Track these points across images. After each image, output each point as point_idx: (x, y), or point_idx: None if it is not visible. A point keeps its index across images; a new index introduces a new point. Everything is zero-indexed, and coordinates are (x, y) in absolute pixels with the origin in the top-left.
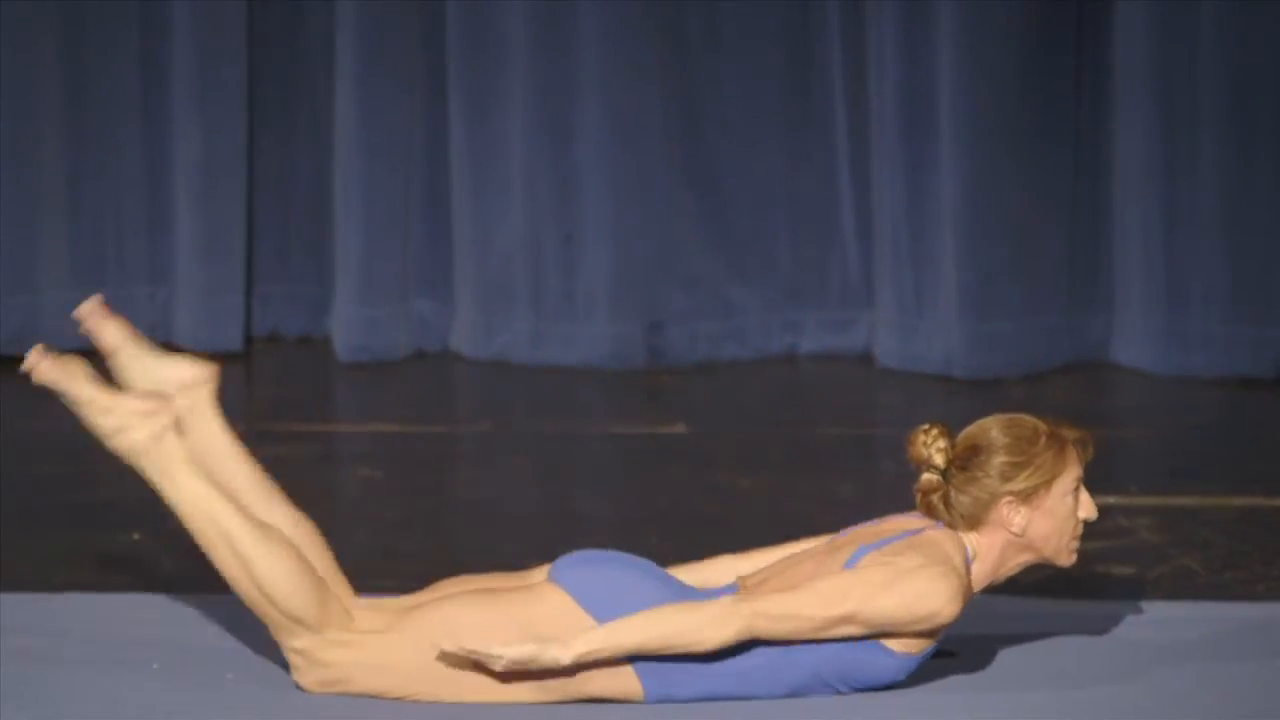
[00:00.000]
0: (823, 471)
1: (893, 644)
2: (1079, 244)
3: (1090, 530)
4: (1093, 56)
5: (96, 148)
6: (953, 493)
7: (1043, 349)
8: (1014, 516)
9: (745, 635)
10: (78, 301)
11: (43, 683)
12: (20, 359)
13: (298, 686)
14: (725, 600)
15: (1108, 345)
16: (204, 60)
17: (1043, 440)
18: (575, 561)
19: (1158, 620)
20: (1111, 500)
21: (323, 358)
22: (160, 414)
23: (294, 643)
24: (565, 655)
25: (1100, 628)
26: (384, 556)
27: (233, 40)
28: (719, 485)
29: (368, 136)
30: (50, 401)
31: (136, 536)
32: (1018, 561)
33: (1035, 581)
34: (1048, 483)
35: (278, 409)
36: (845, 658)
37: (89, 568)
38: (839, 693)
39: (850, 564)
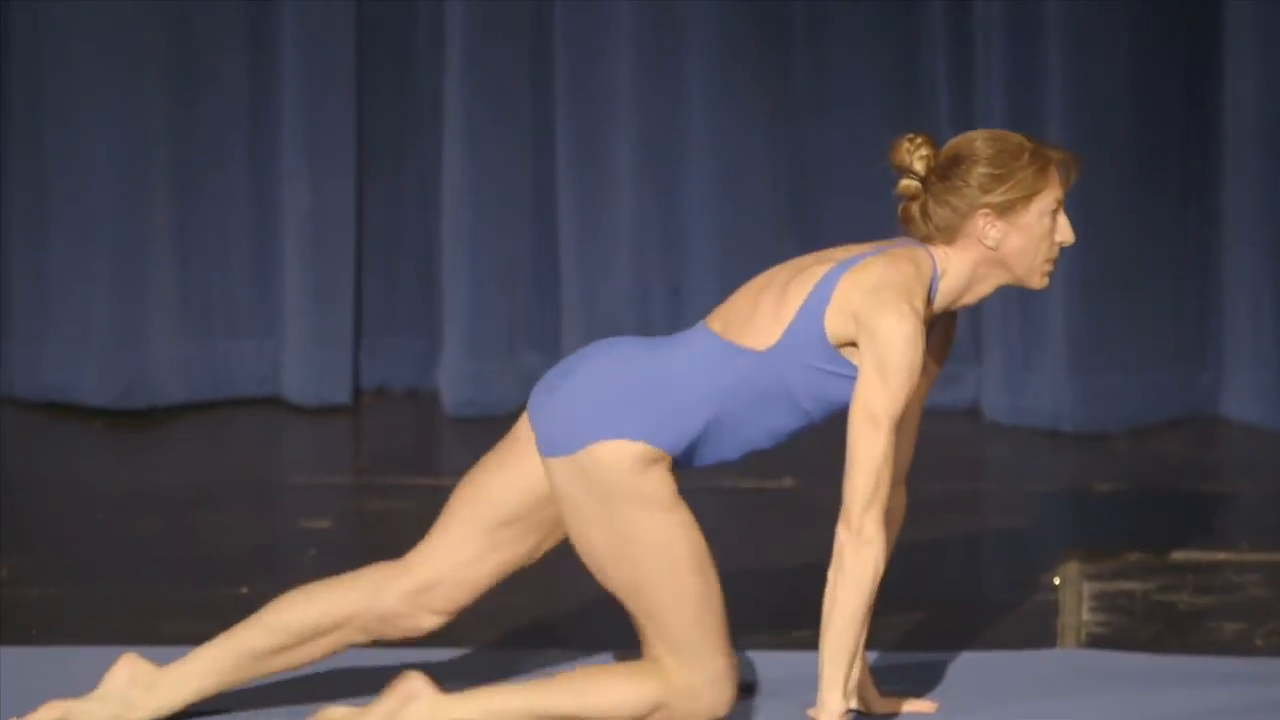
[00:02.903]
0: (928, 526)
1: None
2: (1188, 296)
3: (1199, 585)
4: (1202, 106)
5: (204, 199)
6: (930, 203)
7: (1151, 403)
8: (989, 229)
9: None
10: (186, 355)
11: None
12: (129, 413)
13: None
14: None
15: (1216, 399)
16: (312, 109)
17: (1026, 156)
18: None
19: (1267, 675)
20: (1220, 556)
21: (430, 411)
22: (407, 686)
23: None
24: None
25: (1209, 682)
26: (486, 609)
27: (341, 89)
28: (827, 540)
29: (476, 188)
30: (153, 456)
31: (245, 590)
32: (989, 280)
33: (1144, 637)
34: (1026, 198)
35: (385, 462)
36: (819, 393)
37: (197, 621)
38: (812, 421)
39: (824, 285)
